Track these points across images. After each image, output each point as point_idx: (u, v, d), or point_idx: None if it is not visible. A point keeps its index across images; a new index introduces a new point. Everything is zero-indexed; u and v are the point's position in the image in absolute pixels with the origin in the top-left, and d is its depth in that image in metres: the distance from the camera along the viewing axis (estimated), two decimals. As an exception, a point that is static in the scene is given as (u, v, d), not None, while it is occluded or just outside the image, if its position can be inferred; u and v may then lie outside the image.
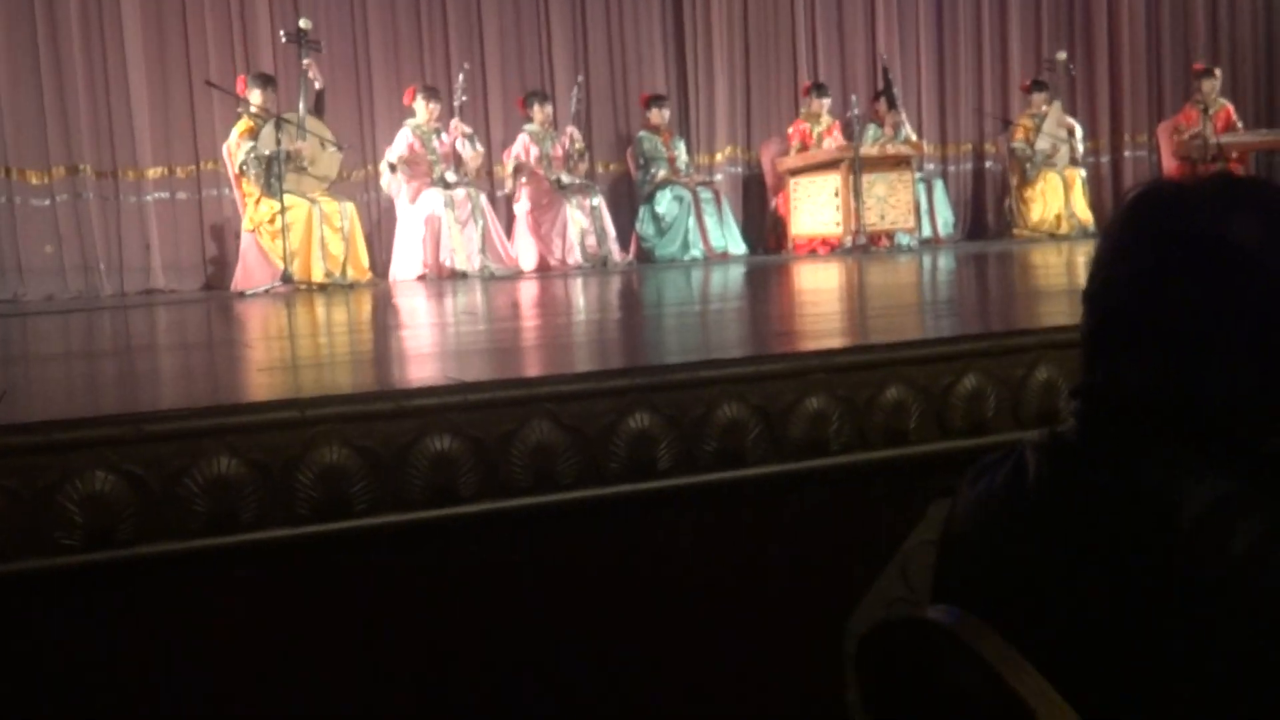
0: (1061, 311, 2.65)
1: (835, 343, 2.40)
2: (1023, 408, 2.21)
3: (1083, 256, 6.20)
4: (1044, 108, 10.17)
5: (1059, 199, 9.93)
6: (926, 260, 6.83)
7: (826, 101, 9.72)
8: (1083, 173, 10.21)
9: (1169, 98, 11.33)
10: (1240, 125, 10.46)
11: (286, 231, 7.12)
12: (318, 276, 7.32)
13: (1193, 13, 11.49)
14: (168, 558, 1.66)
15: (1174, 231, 1.12)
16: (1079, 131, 10.26)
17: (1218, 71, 10.43)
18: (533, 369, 2.29)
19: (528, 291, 5.73)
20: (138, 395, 2.17)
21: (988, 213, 10.95)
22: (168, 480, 1.67)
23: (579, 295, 5.05)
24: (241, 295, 7.01)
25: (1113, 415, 1.15)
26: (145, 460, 1.66)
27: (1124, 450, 1.13)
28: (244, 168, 7.49)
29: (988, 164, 10.95)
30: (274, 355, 2.83)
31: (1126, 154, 11.28)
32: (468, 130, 8.51)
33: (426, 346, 2.79)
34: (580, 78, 9.36)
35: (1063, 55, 10.43)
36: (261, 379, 2.24)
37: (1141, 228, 1.15)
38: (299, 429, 1.75)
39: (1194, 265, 1.10)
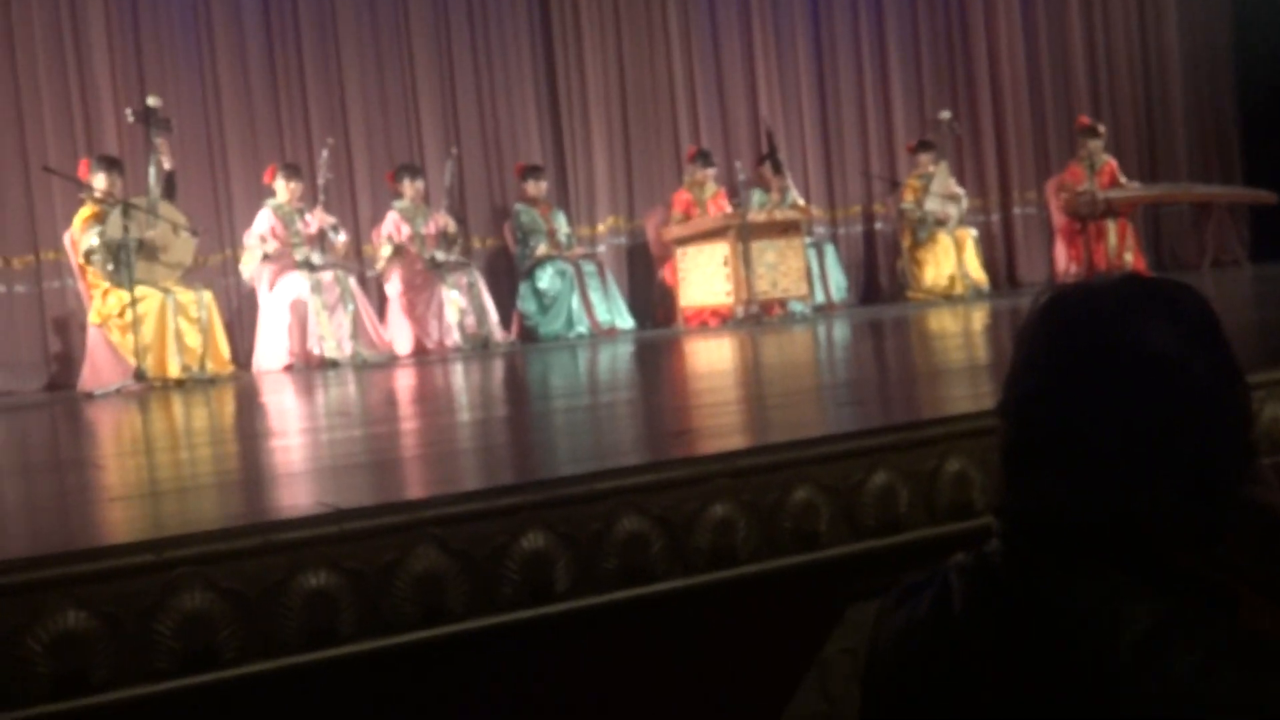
0: (966, 396, 2.69)
1: (737, 441, 2.39)
2: (936, 502, 2.22)
3: (979, 323, 6.36)
4: (931, 168, 10.48)
5: (951, 260, 10.21)
6: (822, 331, 6.93)
7: (712, 170, 9.86)
8: (974, 232, 10.52)
9: (1055, 153, 11.77)
10: (1124, 180, 10.91)
11: (138, 325, 6.92)
12: (174, 372, 7.11)
13: (1073, 69, 12.00)
14: (8, 730, 1.56)
15: (1088, 342, 1.13)
16: (964, 200, 10.59)
17: (1101, 129, 10.89)
18: (415, 487, 2.23)
19: (404, 382, 5.65)
20: (-29, 538, 2.05)
21: (881, 275, 11.19)
22: (7, 640, 1.57)
23: (460, 387, 4.98)
24: (90, 396, 6.78)
25: (1038, 535, 1.15)
26: (-20, 620, 1.56)
27: (1052, 573, 1.12)
28: (89, 256, 7.28)
29: (878, 226, 11.21)
30: (128, 479, 2.72)
31: (1016, 211, 11.66)
32: (331, 220, 8.40)
33: (297, 462, 2.70)
34: (454, 150, 9.35)
35: (947, 114, 10.78)
36: (114, 512, 2.14)
37: (1054, 339, 1.15)
38: (156, 573, 1.66)
39: (1111, 377, 1.11)
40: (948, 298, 10.00)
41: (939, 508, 2.22)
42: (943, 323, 6.51)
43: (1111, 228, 10.48)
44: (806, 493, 2.11)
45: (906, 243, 10.49)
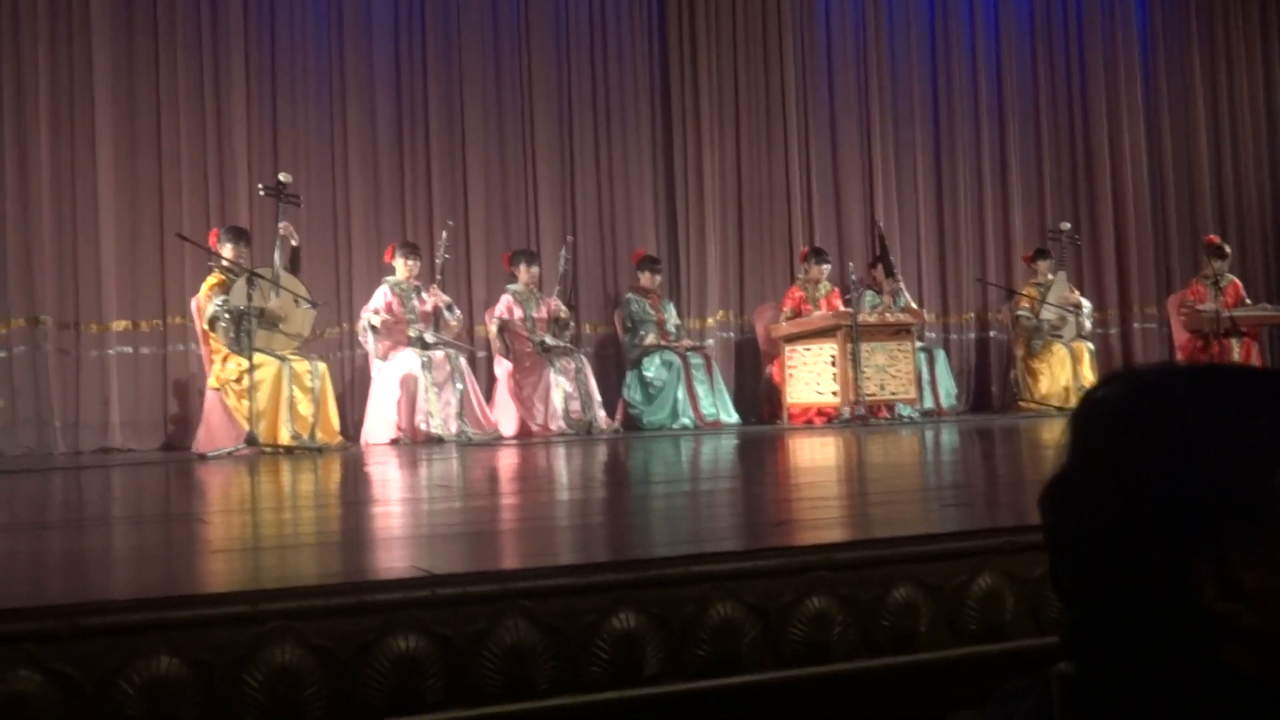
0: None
1: (837, 535, 2.34)
2: (1043, 610, 2.14)
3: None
4: (1049, 277, 10.34)
5: (1067, 371, 10.00)
6: (929, 435, 6.81)
7: (826, 268, 9.85)
8: (1091, 345, 10.31)
9: (1178, 269, 11.54)
10: (1248, 300, 10.63)
11: (254, 391, 7.09)
12: (284, 439, 7.26)
13: (1199, 184, 11.80)
14: (94, 771, 1.56)
15: (1104, 416, 1.04)
16: (1086, 306, 10.40)
17: (1229, 249, 10.65)
18: (510, 558, 2.22)
19: (507, 461, 5.67)
20: (81, 579, 2.09)
21: (992, 384, 11.01)
22: (101, 681, 1.58)
23: (561, 468, 4.99)
24: (203, 457, 6.93)
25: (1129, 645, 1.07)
26: (77, 658, 1.57)
27: (1158, 690, 1.05)
28: (213, 323, 7.50)
29: (992, 333, 11.07)
30: (231, 534, 2.75)
31: (1136, 326, 11.43)
32: (446, 299, 8.57)
33: (396, 528, 2.72)
34: (570, 237, 9.50)
35: (1067, 225, 10.66)
36: (215, 564, 2.17)
37: (1080, 421, 1.07)
38: (249, 625, 1.67)
39: (1120, 451, 1.02)
40: (1061, 409, 9.77)
41: (1046, 617, 2.13)
42: (1055, 433, 6.35)
43: (1235, 346, 10.20)
44: (907, 591, 2.04)
45: (1020, 352, 10.32)
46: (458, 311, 8.69)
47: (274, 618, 1.68)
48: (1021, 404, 10.13)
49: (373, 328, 8.34)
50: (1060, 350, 10.07)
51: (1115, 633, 1.01)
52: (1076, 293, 10.49)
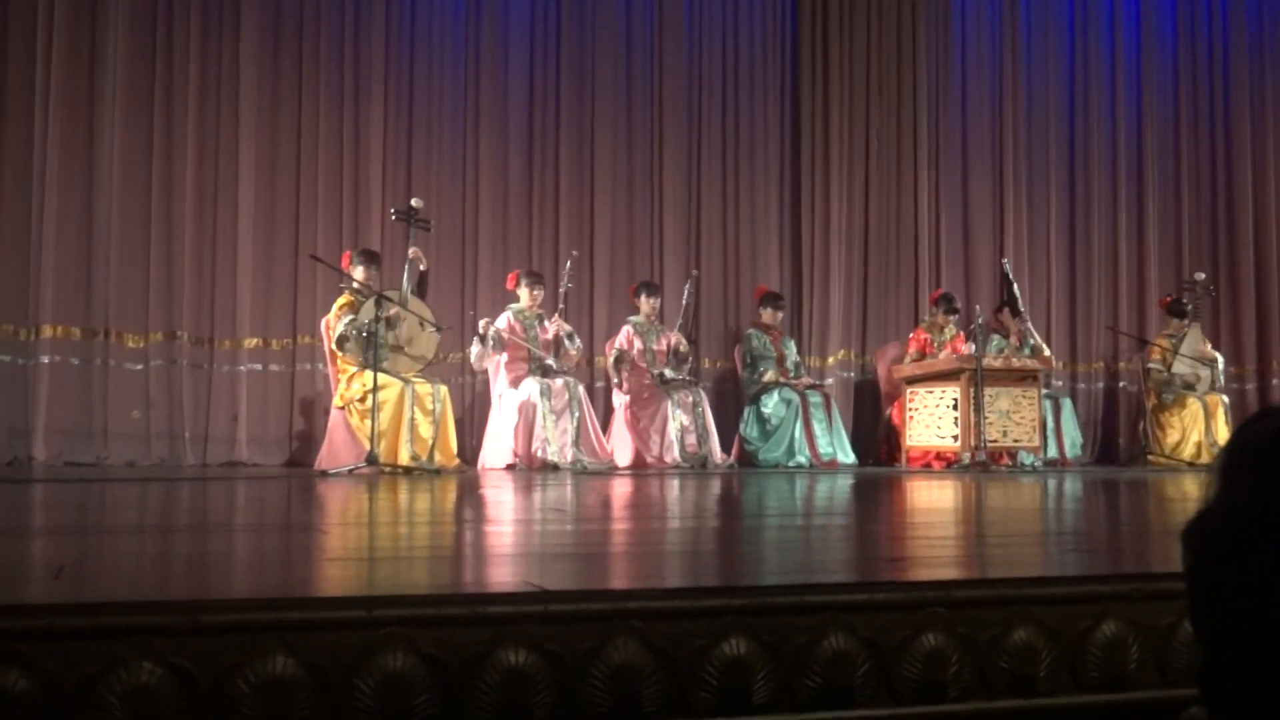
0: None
1: (953, 573, 2.28)
2: (1169, 662, 2.06)
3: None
4: (1183, 329, 10.03)
5: (1199, 426, 9.69)
6: (1052, 483, 6.64)
7: (954, 317, 9.73)
8: (1225, 400, 9.96)
9: (1322, 325, 11.11)
10: (1401, 358, 10.18)
11: (377, 411, 7.23)
12: (404, 459, 7.38)
13: (1346, 237, 11.35)
14: (208, 764, 1.59)
15: (1254, 456, 1.02)
16: (1220, 362, 10.06)
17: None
18: (621, 580, 2.22)
19: (620, 489, 5.68)
20: (202, 579, 2.14)
21: (1120, 436, 10.71)
22: (218, 677, 1.62)
23: (675, 498, 4.98)
24: (324, 474, 7.08)
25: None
26: (196, 654, 1.61)
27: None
28: (340, 341, 7.67)
29: (1122, 384, 10.77)
30: (348, 544, 2.80)
31: (1275, 381, 11.01)
32: (568, 328, 8.63)
33: (509, 545, 2.73)
34: (695, 271, 9.54)
35: (1202, 276, 10.35)
36: (332, 570, 2.20)
37: (1236, 461, 1.05)
38: (363, 630, 1.69)
39: (1271, 493, 0.99)
40: (1192, 465, 9.45)
41: (1173, 669, 2.05)
42: (1183, 488, 6.14)
43: (1382, 407, 9.75)
44: (1027, 634, 1.98)
45: (1151, 403, 10.02)
46: (578, 341, 8.76)
47: (388, 624, 1.69)
48: (1150, 457, 9.83)
49: (479, 337, 8.38)
50: (1193, 404, 9.76)
51: (1253, 674, 0.98)
52: (1209, 345, 10.16)
